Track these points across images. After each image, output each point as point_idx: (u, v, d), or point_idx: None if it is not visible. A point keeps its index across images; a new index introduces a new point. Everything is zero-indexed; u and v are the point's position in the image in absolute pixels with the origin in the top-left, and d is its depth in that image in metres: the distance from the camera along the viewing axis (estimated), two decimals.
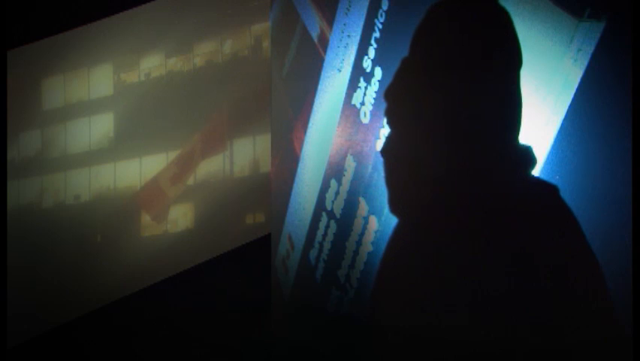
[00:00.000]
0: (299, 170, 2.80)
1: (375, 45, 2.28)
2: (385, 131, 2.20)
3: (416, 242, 2.01)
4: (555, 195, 1.64)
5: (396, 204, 2.09)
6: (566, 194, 1.65)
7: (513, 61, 1.72)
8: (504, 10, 1.74)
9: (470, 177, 1.84)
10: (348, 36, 2.43)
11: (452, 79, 1.86)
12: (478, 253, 1.80)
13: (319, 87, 2.63)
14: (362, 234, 2.33)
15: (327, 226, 2.55)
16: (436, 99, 1.90)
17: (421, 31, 1.98)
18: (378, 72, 2.26)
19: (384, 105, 2.21)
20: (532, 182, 1.70)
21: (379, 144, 2.24)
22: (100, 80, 3.66)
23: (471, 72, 1.82)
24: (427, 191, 1.96)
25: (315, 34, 2.69)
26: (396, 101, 2.06)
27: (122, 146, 3.64)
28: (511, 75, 1.72)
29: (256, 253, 3.30)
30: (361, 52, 2.35)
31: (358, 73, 2.37)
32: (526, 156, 1.70)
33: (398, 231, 2.09)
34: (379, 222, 2.23)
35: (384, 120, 2.20)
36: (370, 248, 2.28)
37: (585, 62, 1.57)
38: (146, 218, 3.60)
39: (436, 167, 1.93)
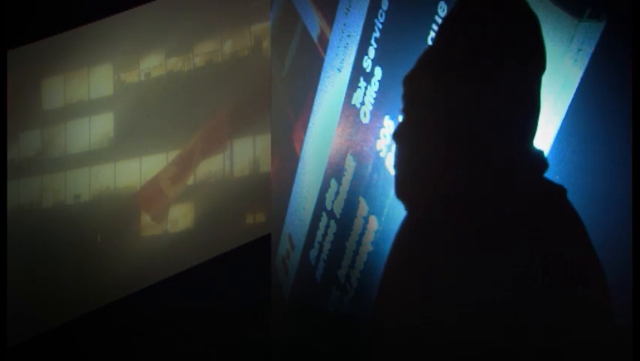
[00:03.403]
0: (299, 170, 2.80)
1: (375, 45, 2.28)
2: (386, 130, 2.20)
3: (421, 240, 2.00)
4: (562, 197, 1.63)
5: (402, 190, 2.05)
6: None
7: (538, 66, 1.70)
8: (534, 15, 1.72)
9: (481, 178, 1.83)
10: (348, 36, 2.43)
11: (476, 76, 1.84)
12: (482, 253, 1.80)
13: (319, 87, 2.63)
14: (362, 234, 2.33)
15: (327, 226, 2.55)
16: (456, 95, 1.88)
17: (449, 23, 1.95)
18: (378, 72, 2.26)
19: (384, 105, 2.21)
20: (541, 183, 1.70)
21: (379, 144, 2.24)
22: (100, 80, 3.66)
23: (496, 73, 1.80)
24: (436, 184, 1.94)
25: (315, 34, 2.69)
26: (415, 89, 2.02)
27: (122, 146, 3.64)
28: (535, 80, 1.71)
29: (256, 253, 3.29)
30: (361, 52, 2.35)
31: (358, 73, 2.37)
32: (540, 161, 1.69)
33: (403, 230, 2.08)
34: (379, 222, 2.23)
35: (389, 115, 2.19)
36: (370, 248, 2.28)
37: (585, 62, 1.57)
38: (146, 218, 3.60)
39: (448, 162, 1.91)
